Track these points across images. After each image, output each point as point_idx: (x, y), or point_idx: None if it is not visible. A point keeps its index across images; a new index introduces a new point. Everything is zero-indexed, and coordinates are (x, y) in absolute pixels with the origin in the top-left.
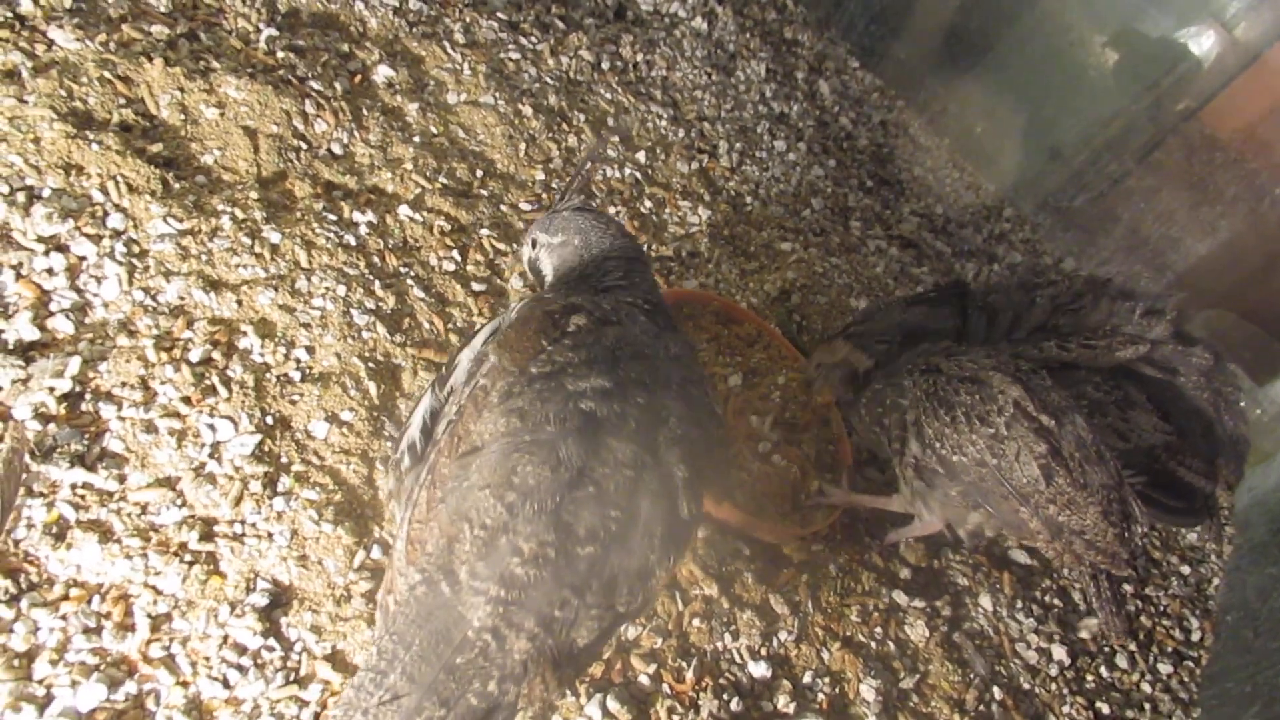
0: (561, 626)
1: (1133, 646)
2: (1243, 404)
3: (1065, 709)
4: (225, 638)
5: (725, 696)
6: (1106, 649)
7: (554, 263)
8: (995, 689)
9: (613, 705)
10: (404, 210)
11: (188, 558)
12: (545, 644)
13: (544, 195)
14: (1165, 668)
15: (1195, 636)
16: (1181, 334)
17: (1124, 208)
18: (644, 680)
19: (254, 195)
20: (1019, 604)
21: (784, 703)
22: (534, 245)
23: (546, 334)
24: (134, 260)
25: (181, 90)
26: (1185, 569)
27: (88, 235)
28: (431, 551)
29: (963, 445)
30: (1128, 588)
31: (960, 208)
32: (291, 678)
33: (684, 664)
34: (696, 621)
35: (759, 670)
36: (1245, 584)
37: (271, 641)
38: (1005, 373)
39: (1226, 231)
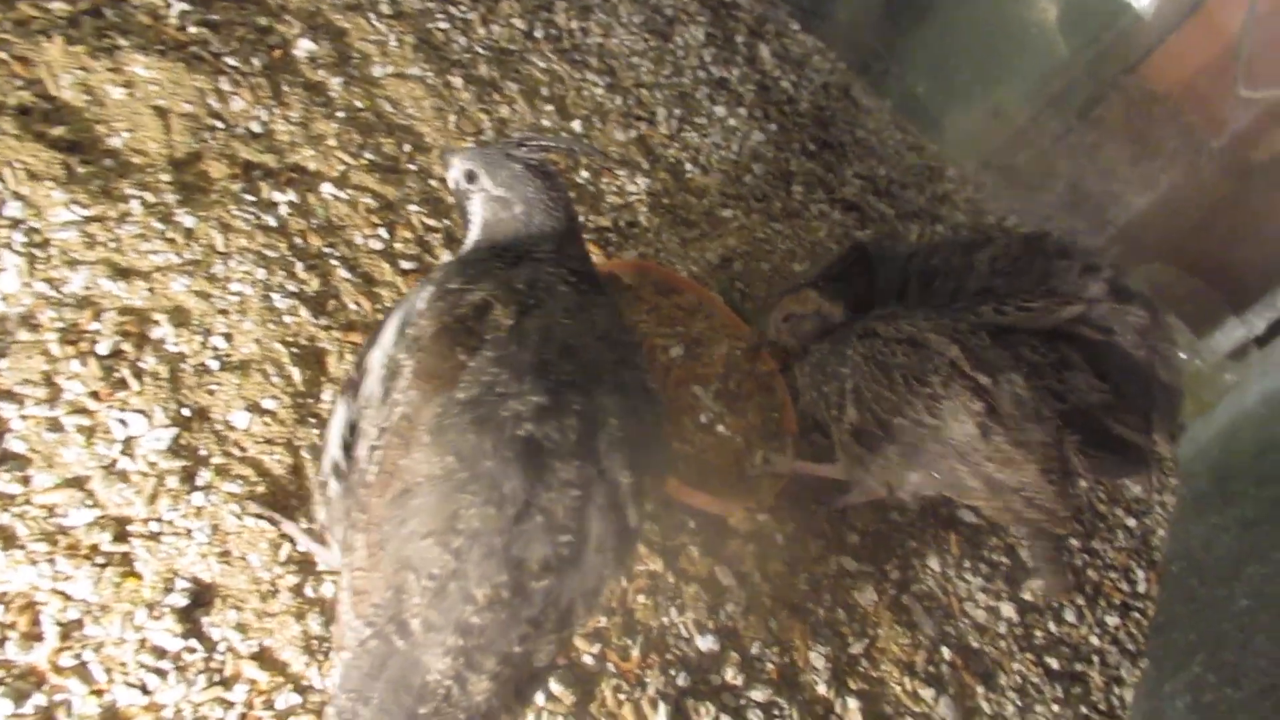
0: (523, 659)
1: (1080, 600)
2: (1178, 357)
3: (1015, 665)
4: (143, 641)
5: (672, 672)
6: (1055, 605)
7: (486, 216)
8: (944, 649)
9: (556, 687)
10: (327, 188)
11: (100, 560)
12: (508, 678)
13: None
14: (1112, 620)
15: (1141, 588)
16: (1118, 290)
17: (1066, 164)
18: (588, 660)
19: (166, 178)
20: (966, 564)
21: (732, 675)
22: (471, 179)
23: (464, 346)
24: (35, 250)
25: (85, 70)
26: (1131, 521)
27: None
28: (379, 603)
29: (901, 407)
30: (1074, 543)
31: (903, 169)
32: (216, 679)
33: (629, 642)
34: (641, 598)
35: (706, 644)
36: (1189, 534)
37: (193, 642)
38: (942, 333)
39: (1166, 185)
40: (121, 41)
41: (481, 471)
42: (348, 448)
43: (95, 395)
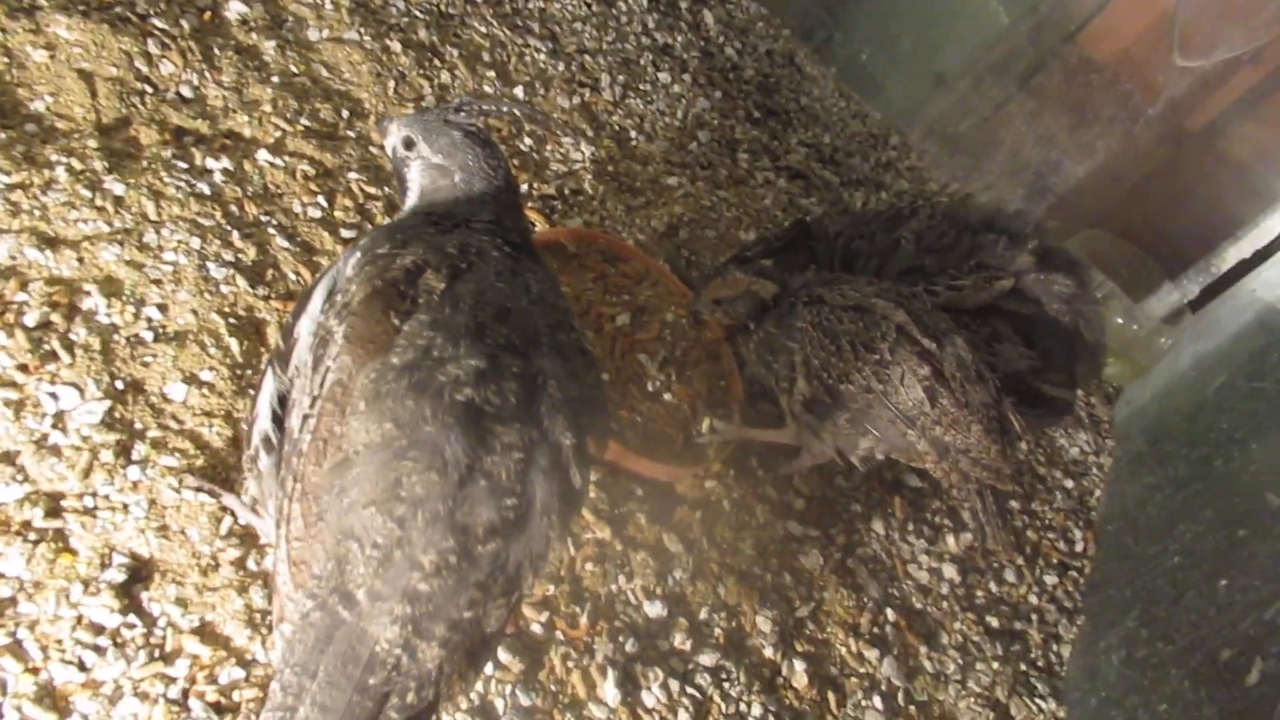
0: (472, 624)
1: (1020, 561)
2: (1101, 318)
3: (957, 625)
4: (79, 618)
5: (620, 639)
6: (996, 565)
7: (423, 183)
8: (889, 611)
9: (504, 656)
10: (263, 155)
11: (32, 536)
12: (458, 644)
13: None
14: (1051, 579)
15: (1079, 547)
16: (1044, 258)
17: (1007, 132)
18: (536, 629)
19: (93, 144)
20: (910, 526)
21: (680, 640)
22: (409, 146)
23: (396, 310)
24: None
25: (3, 31)
26: (1069, 483)
27: None
28: (320, 575)
29: (849, 373)
30: (1014, 505)
31: (847, 136)
32: (156, 655)
33: (577, 609)
34: (589, 566)
35: (654, 610)
36: (1125, 494)
37: (132, 618)
38: (888, 299)
39: (1104, 153)
40: (42, 1)
41: (422, 437)
42: (278, 419)
43: (23, 368)
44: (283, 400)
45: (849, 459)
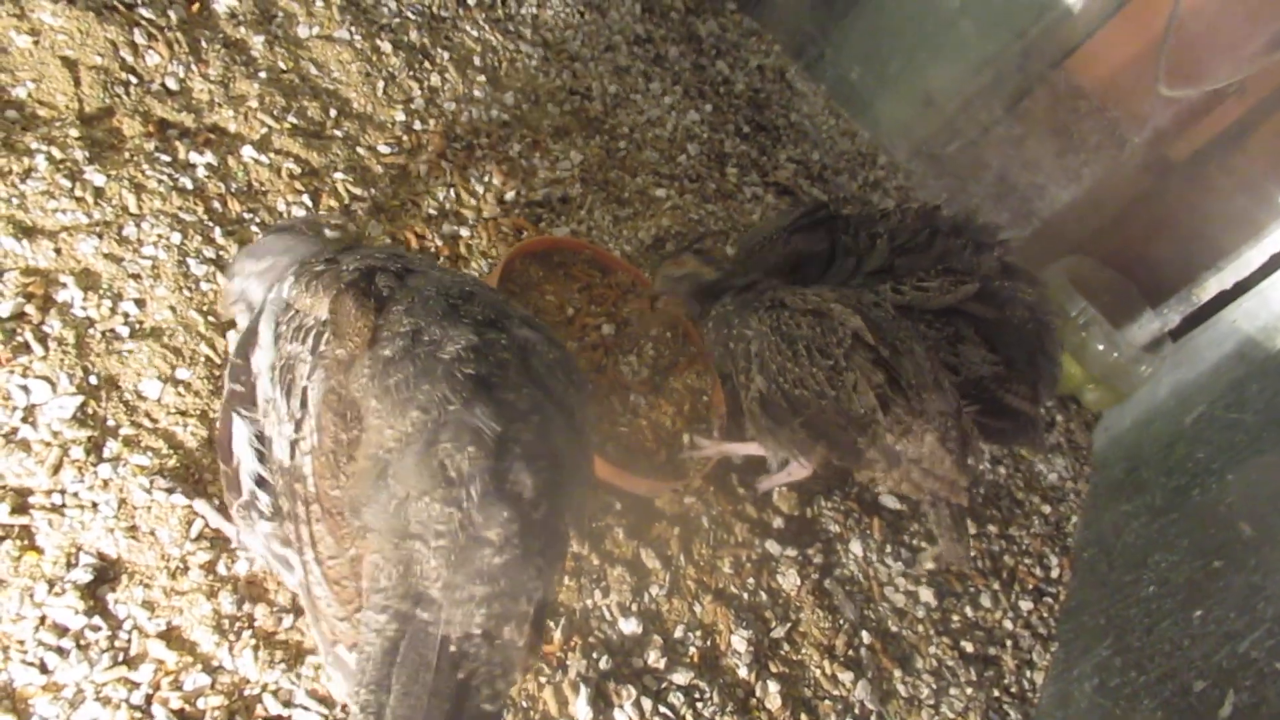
0: (538, 592)
1: (996, 585)
2: (1059, 329)
3: (932, 649)
4: (43, 618)
5: (595, 655)
6: (971, 589)
7: (264, 287)
8: (864, 633)
9: None
10: (248, 151)
11: None
12: (530, 616)
13: (404, 137)
14: (1026, 604)
15: (1055, 573)
16: (1009, 268)
17: (994, 155)
18: None
19: (74, 133)
20: (888, 548)
21: (655, 658)
22: (234, 277)
23: (365, 306)
24: None
25: None
26: (1046, 508)
27: None
28: (386, 586)
29: (804, 379)
30: (992, 529)
31: (836, 154)
32: (120, 658)
33: (551, 624)
34: (565, 580)
35: (629, 627)
36: (1102, 520)
37: (97, 620)
38: (846, 304)
39: (1089, 179)
40: None
41: (450, 416)
42: (262, 458)
43: None
44: (261, 439)
45: (806, 465)
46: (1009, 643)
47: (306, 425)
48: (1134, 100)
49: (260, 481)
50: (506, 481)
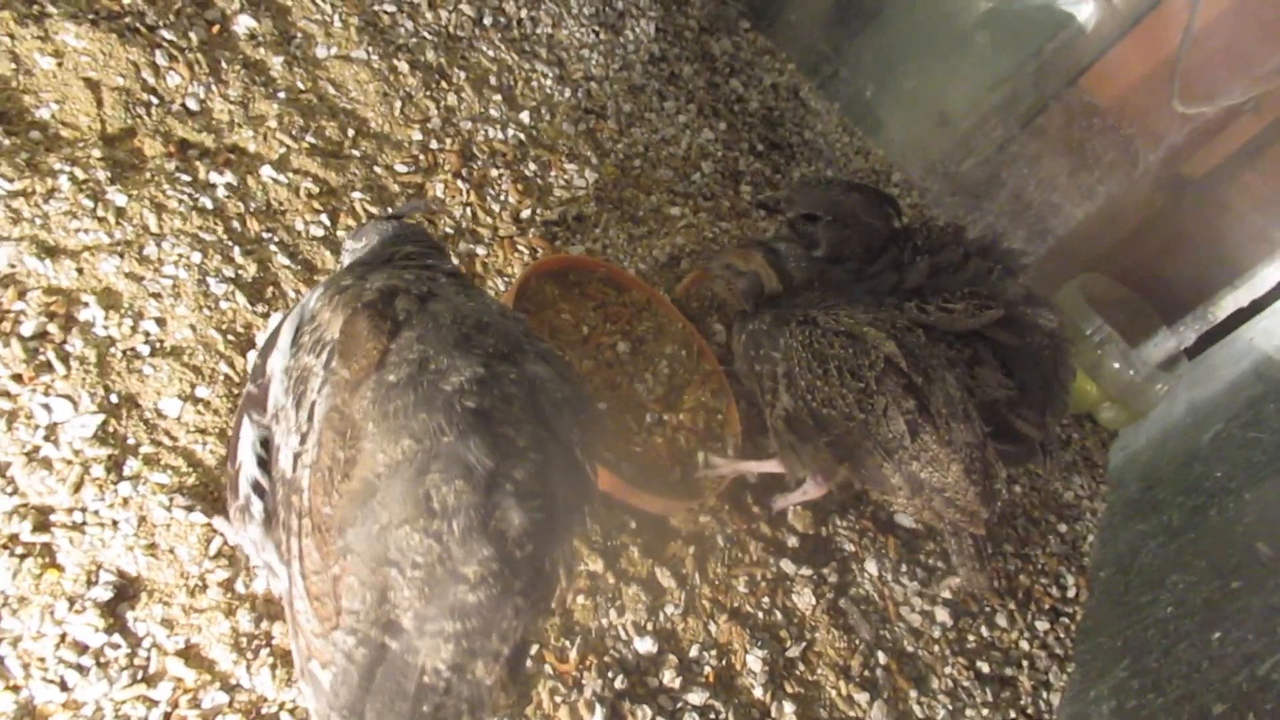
0: (516, 633)
1: (1012, 605)
2: (1074, 357)
3: (947, 670)
4: (63, 636)
5: (610, 674)
6: (987, 609)
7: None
8: (880, 653)
9: None
10: (267, 171)
11: (19, 550)
12: (505, 656)
13: (420, 156)
14: (1042, 625)
15: (1071, 593)
16: (1032, 295)
17: (1008, 173)
18: (525, 662)
19: (97, 154)
20: (904, 568)
21: (670, 678)
22: (342, 255)
23: (379, 329)
24: None
25: (11, 37)
26: (1062, 527)
27: None
28: (359, 609)
29: (833, 399)
30: (1008, 548)
31: (850, 172)
32: (139, 676)
33: (567, 643)
34: (580, 599)
35: (645, 646)
36: (1118, 540)
37: (116, 638)
38: (880, 328)
39: (1103, 197)
40: (51, 9)
41: (442, 448)
42: (264, 464)
43: (18, 378)
44: (265, 444)
45: (827, 484)
46: (1025, 663)
47: (310, 439)
48: (1149, 117)
49: (256, 487)
50: (492, 518)
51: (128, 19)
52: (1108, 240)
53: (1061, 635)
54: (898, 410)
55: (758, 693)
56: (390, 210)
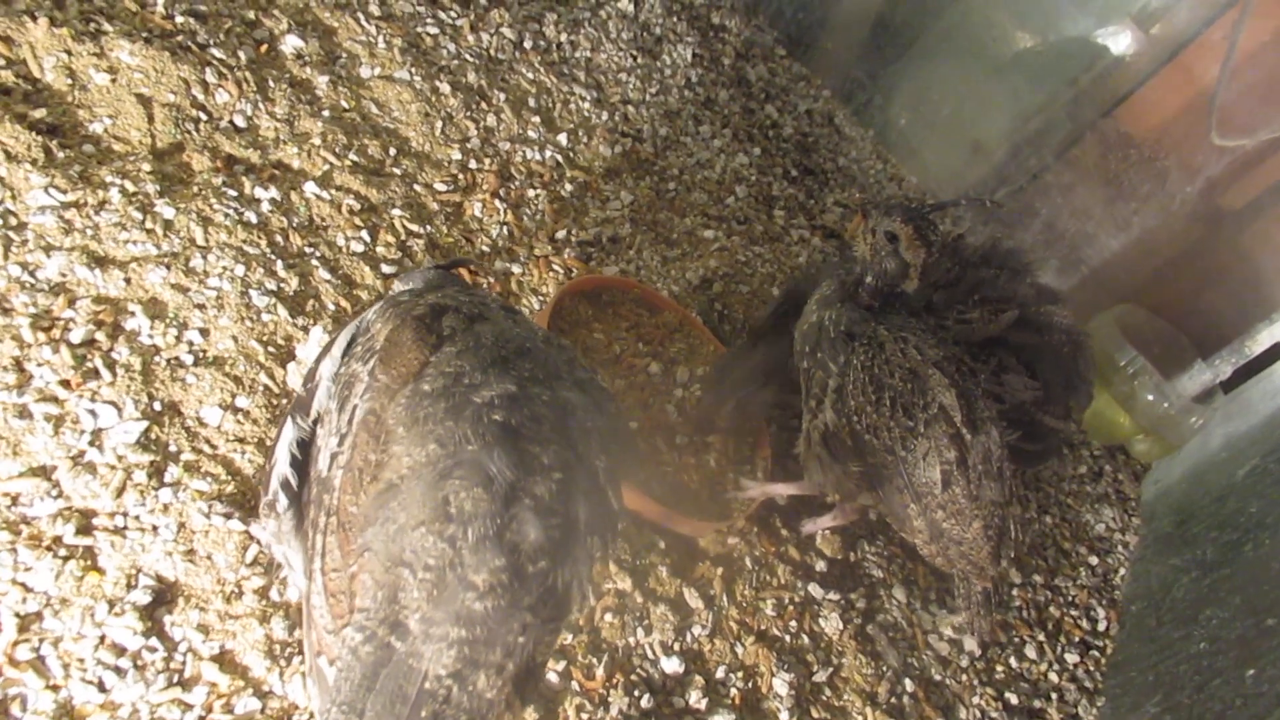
0: (523, 649)
1: (1041, 637)
2: (1092, 348)
3: (975, 700)
4: (102, 638)
5: (636, 693)
6: (1016, 639)
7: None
8: (907, 681)
9: None
10: (310, 187)
11: (62, 552)
12: (510, 672)
13: (460, 175)
14: (1072, 657)
15: (1101, 626)
16: (1042, 291)
17: (1042, 202)
18: (552, 678)
19: (147, 167)
20: (932, 595)
21: (696, 698)
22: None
23: (424, 341)
24: (10, 233)
25: (69, 53)
26: (1093, 559)
27: None
28: (368, 606)
29: (879, 428)
30: (1038, 579)
31: (883, 199)
32: (175, 680)
33: (594, 660)
34: (609, 617)
35: (671, 666)
36: (1150, 574)
37: (154, 641)
38: (945, 373)
39: (1139, 228)
40: (107, 26)
41: (466, 456)
42: (296, 464)
43: (66, 384)
44: (302, 446)
45: (844, 503)
46: (1054, 696)
47: (347, 441)
48: (1185, 149)
49: (285, 485)
50: (508, 530)
51: (180, 37)
52: (1143, 272)
53: (1091, 668)
54: (937, 459)
55: (784, 717)
56: (439, 262)
